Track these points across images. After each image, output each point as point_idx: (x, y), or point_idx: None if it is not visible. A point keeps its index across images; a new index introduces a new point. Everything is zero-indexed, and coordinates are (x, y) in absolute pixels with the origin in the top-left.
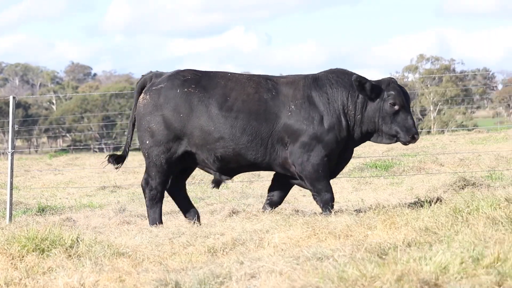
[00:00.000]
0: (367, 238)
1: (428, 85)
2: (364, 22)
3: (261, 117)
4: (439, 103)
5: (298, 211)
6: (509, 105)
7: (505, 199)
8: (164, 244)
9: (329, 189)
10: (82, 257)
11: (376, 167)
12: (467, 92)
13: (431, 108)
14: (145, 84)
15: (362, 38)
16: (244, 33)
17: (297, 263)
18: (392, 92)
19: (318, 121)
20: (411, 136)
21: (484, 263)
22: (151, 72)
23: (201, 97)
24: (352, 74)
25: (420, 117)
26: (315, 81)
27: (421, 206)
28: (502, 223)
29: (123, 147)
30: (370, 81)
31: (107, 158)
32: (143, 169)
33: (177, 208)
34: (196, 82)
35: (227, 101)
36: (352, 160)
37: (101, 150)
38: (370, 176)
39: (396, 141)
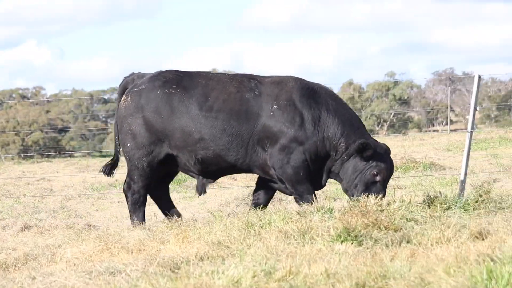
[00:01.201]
0: (160, 253)
1: None
2: (160, 35)
3: (242, 117)
4: None
5: (90, 225)
6: None
7: (297, 212)
8: None
9: (311, 192)
10: None
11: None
12: None
13: None
14: (127, 86)
15: (157, 51)
16: (37, 47)
17: (89, 278)
18: (382, 164)
19: (301, 125)
20: None
21: (276, 276)
22: (133, 73)
23: (181, 97)
24: (349, 110)
25: None
26: (312, 92)
27: (214, 220)
28: (294, 236)
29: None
30: (372, 147)
31: (102, 170)
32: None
33: None
34: (177, 82)
35: (207, 101)
36: None
37: None
38: None
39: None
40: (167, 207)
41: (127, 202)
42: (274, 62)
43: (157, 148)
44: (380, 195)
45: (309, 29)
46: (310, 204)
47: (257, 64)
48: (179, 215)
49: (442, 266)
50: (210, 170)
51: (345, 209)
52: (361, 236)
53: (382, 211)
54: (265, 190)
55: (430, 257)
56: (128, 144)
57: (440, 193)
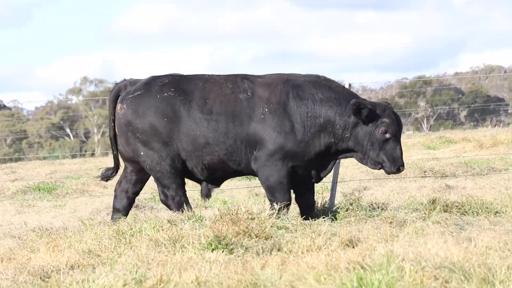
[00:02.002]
0: (30, 261)
1: (92, 108)
2: (27, 44)
3: (238, 119)
4: (103, 126)
5: None
6: None
7: (168, 221)
8: None
9: (288, 200)
10: None
11: (39, 189)
12: None
13: (95, 131)
14: (119, 92)
15: (25, 60)
16: None
17: None
18: (386, 120)
19: (291, 130)
20: (397, 168)
21: (147, 285)
22: (125, 79)
23: (182, 100)
24: (339, 90)
25: (84, 139)
26: (296, 90)
27: (85, 228)
28: (164, 244)
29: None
30: (368, 106)
31: (100, 178)
32: None
33: None
34: (175, 85)
35: (206, 104)
36: (15, 183)
37: None
38: (33, 198)
39: (380, 169)
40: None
41: (173, 211)
42: (145, 70)
43: (171, 149)
44: (399, 152)
45: (180, 37)
46: (285, 210)
47: (128, 73)
48: None
49: (312, 274)
50: (217, 176)
51: (216, 217)
52: (232, 244)
53: (253, 219)
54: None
55: (300, 265)
56: (142, 153)
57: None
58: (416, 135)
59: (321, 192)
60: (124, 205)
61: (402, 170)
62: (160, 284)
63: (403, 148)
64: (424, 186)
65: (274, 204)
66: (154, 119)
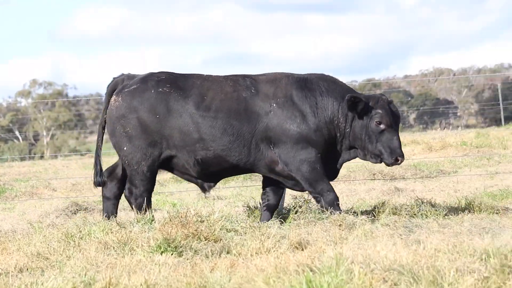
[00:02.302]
0: None
1: (41, 110)
2: None
3: (242, 116)
4: (52, 128)
5: None
6: None
7: (117, 223)
8: None
9: (331, 188)
10: None
11: None
12: (80, 117)
13: (44, 133)
14: (116, 86)
15: None
16: None
17: None
18: (380, 111)
19: (303, 120)
20: (395, 158)
21: (96, 287)
22: (122, 74)
23: (177, 97)
24: (342, 84)
25: (34, 142)
26: (303, 82)
27: (34, 231)
28: (114, 247)
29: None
30: (363, 99)
31: (96, 181)
32: None
33: None
34: (171, 82)
35: (204, 101)
36: None
37: None
38: None
39: (381, 162)
40: (112, 211)
41: (132, 208)
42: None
43: (156, 150)
44: (396, 142)
45: (130, 39)
46: (335, 204)
47: (77, 76)
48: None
49: (261, 276)
50: (211, 171)
51: (165, 220)
52: (181, 247)
53: (202, 221)
54: (274, 190)
55: (250, 267)
56: (125, 148)
57: (260, 203)
58: None
59: None
60: (115, 193)
61: (402, 161)
62: (109, 287)
63: None
64: (374, 188)
65: (321, 198)
66: (146, 115)
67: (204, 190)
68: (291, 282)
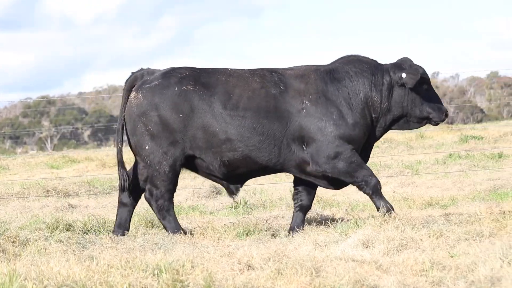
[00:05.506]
0: None
1: None
2: None
3: (272, 115)
4: None
5: None
6: None
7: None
8: None
9: (371, 173)
10: None
11: None
12: None
13: None
14: (135, 81)
15: None
16: None
17: None
18: (419, 71)
19: (339, 116)
20: (445, 114)
21: None
22: (142, 69)
23: (202, 95)
24: (368, 60)
25: None
26: (331, 74)
27: None
28: None
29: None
30: (403, 67)
31: (122, 186)
32: None
33: None
34: (194, 79)
35: (231, 99)
36: None
37: None
38: None
39: (425, 124)
40: (124, 217)
41: (153, 211)
42: None
43: (177, 149)
44: (438, 98)
45: None
46: (378, 188)
47: None
48: (124, 231)
49: None
50: (238, 173)
51: None
52: None
53: None
54: (306, 190)
55: None
56: (147, 147)
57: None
58: (40, 154)
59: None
60: (133, 199)
61: (448, 116)
62: None
63: (27, 168)
64: (47, 205)
65: (363, 184)
66: (169, 113)
67: (231, 193)
68: None
